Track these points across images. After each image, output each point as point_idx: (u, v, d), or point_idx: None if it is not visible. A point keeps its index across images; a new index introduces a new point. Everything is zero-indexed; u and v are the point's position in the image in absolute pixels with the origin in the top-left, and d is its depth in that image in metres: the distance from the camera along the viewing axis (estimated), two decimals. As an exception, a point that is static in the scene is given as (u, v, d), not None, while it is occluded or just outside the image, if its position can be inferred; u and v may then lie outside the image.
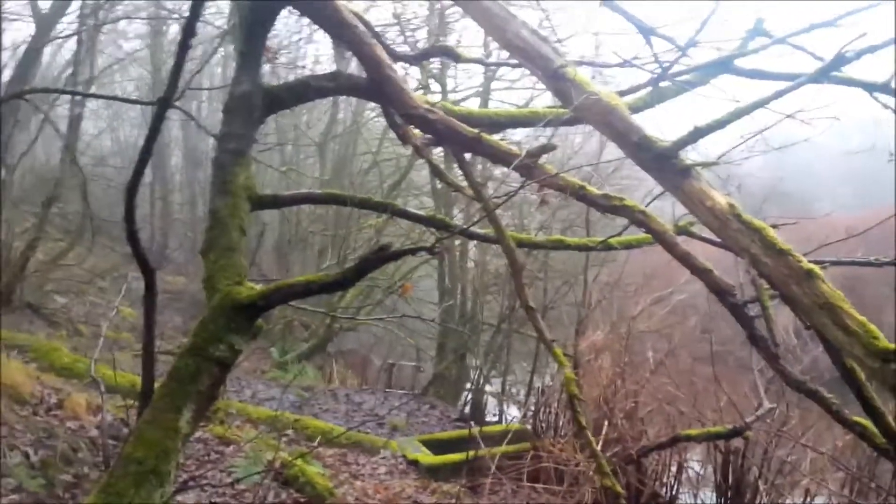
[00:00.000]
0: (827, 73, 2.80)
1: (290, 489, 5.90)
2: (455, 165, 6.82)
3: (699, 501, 7.79)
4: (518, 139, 11.43)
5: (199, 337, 2.71)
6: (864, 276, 19.08)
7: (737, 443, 6.92)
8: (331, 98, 14.72)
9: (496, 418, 12.59)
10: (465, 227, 4.54)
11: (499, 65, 12.39)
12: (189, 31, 2.97)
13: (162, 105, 3.04)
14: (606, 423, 7.60)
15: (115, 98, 14.82)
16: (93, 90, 14.18)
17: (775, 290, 2.75)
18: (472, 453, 6.87)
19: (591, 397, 7.99)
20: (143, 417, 2.68)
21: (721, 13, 4.07)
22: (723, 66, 4.45)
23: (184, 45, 2.98)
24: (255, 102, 3.64)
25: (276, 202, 4.22)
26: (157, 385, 2.84)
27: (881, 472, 6.32)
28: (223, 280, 2.90)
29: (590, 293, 10.03)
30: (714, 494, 7.54)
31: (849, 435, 5.51)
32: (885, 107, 4.44)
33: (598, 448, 5.12)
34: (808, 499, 6.47)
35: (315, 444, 7.31)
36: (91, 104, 18.03)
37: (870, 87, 4.12)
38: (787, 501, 6.92)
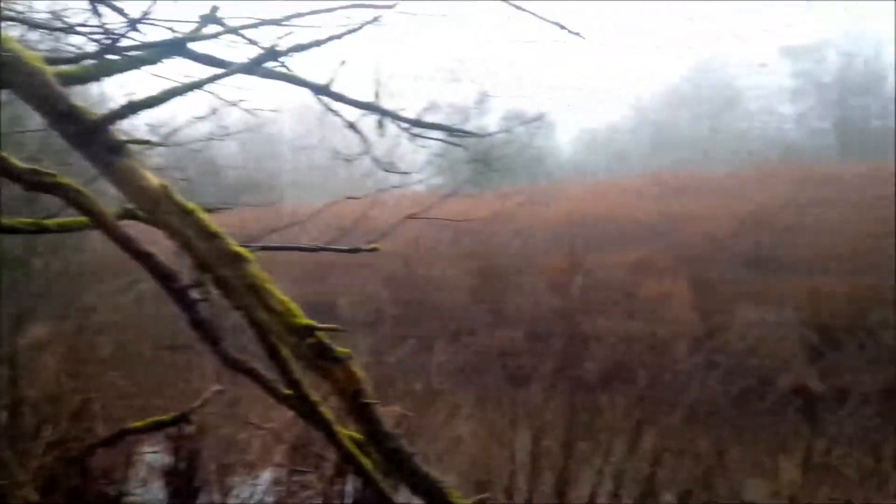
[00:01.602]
0: (258, 65, 2.94)
1: None
2: None
3: (151, 492, 7.66)
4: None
5: None
6: (334, 262, 21.22)
7: (191, 428, 6.98)
8: None
9: None
10: None
11: None
12: None
13: None
14: (49, 425, 6.90)
15: None
16: None
17: (208, 273, 2.77)
18: None
19: (33, 398, 7.16)
20: None
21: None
22: (176, 47, 4.36)
23: None
24: None
25: None
26: None
27: (318, 439, 7.07)
28: None
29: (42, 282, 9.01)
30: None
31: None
32: (328, 108, 4.93)
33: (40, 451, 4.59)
34: (254, 473, 6.92)
35: None
36: None
37: (314, 88, 4.51)
38: (236, 479, 7.28)
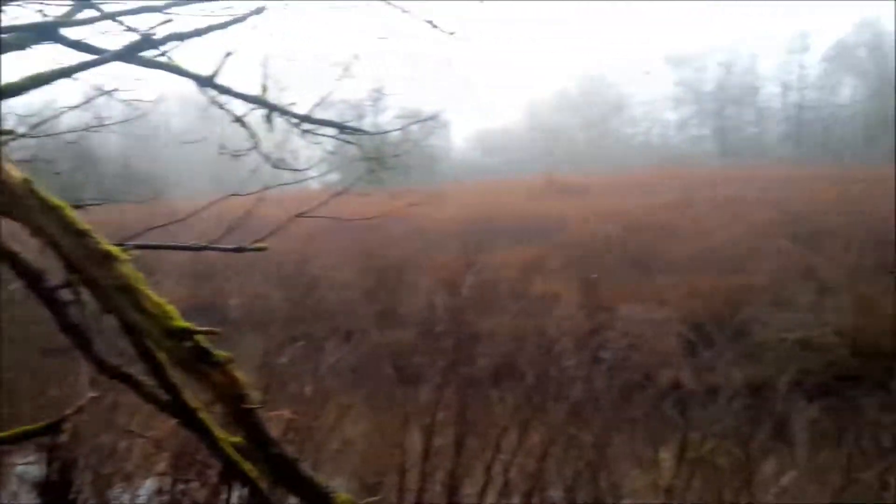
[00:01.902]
0: (134, 53, 2.79)
1: None
2: None
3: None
4: None
5: None
6: (224, 262, 20.55)
7: (65, 438, 6.58)
8: None
9: None
10: None
11: None
12: None
13: None
14: None
15: None
16: None
17: (74, 273, 2.61)
18: None
19: None
20: None
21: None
22: (47, 32, 4.09)
23: None
24: None
25: None
26: None
27: (202, 446, 6.80)
28: None
29: None
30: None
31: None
32: (213, 101, 4.73)
33: None
34: (134, 484, 6.61)
35: None
36: None
37: (198, 80, 4.32)
38: (115, 490, 6.94)
